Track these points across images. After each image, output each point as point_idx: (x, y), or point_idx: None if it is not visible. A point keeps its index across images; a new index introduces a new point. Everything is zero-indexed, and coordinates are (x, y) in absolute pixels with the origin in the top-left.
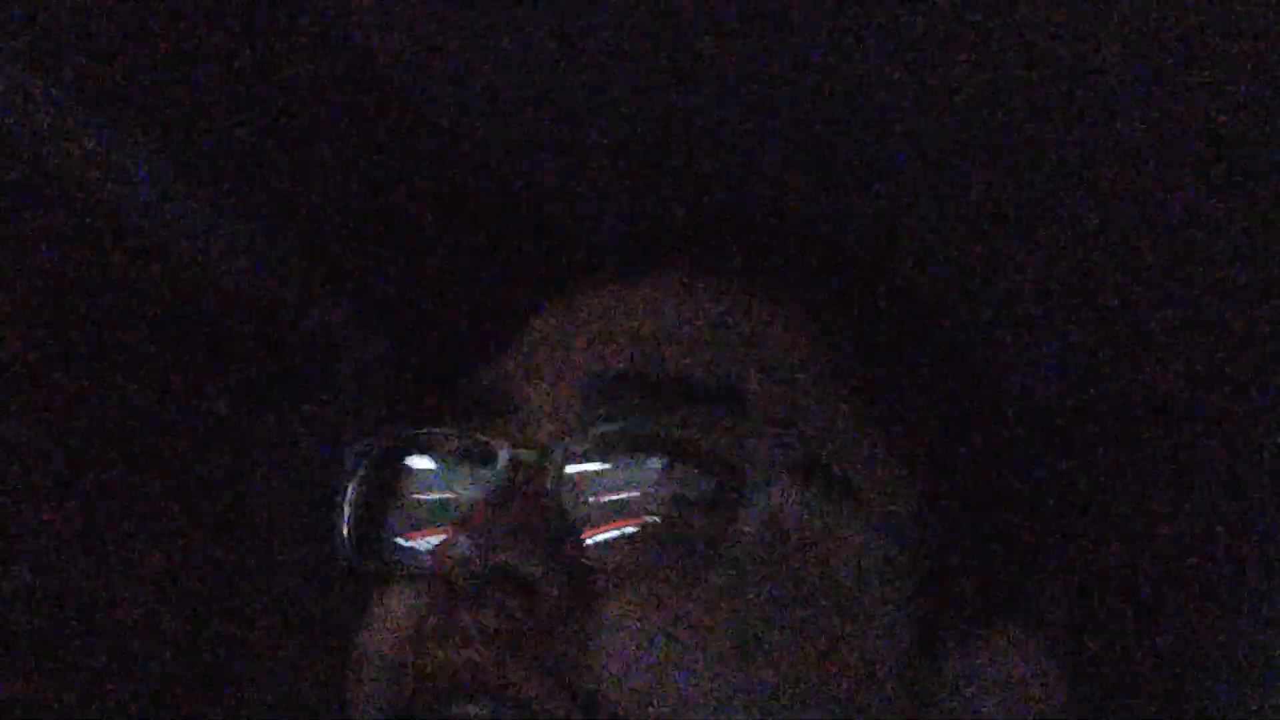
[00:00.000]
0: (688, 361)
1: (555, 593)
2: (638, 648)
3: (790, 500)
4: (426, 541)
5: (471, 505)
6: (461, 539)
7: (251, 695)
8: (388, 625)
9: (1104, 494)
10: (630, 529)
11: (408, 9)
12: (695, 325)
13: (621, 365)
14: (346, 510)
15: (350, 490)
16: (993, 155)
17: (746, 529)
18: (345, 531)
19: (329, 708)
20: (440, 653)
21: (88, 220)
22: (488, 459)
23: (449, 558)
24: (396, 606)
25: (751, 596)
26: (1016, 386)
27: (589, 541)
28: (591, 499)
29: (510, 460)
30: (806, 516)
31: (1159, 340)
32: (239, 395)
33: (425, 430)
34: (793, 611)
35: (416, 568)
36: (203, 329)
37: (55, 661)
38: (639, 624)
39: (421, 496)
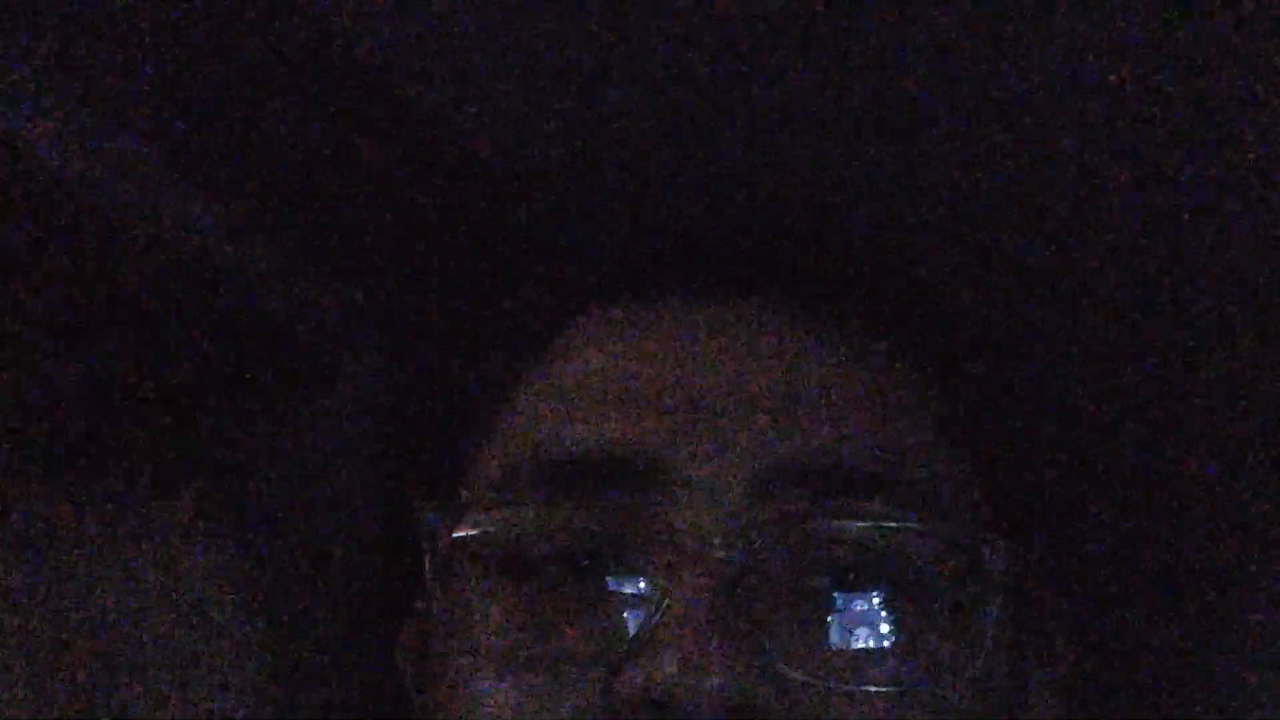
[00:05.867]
0: (850, 448)
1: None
2: None
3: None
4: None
5: (669, 618)
6: (666, 659)
7: (250, 697)
8: None
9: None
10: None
11: (417, 8)
12: (846, 399)
13: (796, 454)
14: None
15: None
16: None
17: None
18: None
19: (327, 710)
20: None
21: (86, 221)
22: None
23: (663, 685)
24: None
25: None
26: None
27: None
28: (789, 608)
29: (693, 554)
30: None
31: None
32: (238, 395)
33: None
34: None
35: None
36: (201, 329)
37: (51, 661)
38: None
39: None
